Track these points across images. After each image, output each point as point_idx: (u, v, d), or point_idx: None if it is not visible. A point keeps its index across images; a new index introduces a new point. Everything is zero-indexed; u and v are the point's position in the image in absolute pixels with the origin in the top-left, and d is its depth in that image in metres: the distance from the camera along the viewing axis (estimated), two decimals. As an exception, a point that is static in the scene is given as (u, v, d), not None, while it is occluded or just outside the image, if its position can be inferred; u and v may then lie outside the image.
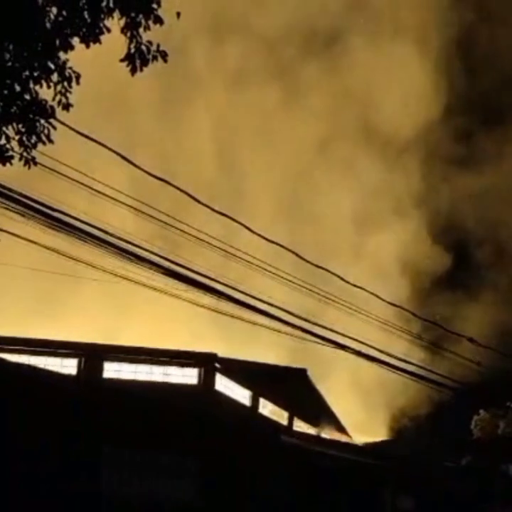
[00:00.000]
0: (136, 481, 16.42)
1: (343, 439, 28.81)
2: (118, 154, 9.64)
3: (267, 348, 24.91)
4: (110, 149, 9.56)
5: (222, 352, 23.02)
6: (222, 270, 12.74)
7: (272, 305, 12.59)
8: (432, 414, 34.30)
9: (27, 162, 7.38)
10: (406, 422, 36.01)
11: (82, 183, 10.16)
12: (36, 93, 7.15)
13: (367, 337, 14.05)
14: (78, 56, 7.34)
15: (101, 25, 7.08)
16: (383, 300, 14.26)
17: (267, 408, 25.62)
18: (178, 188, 10.71)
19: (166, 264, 11.24)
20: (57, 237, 10.17)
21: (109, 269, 11.32)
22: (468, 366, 17.32)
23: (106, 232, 10.40)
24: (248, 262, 12.39)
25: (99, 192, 10.37)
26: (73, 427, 15.21)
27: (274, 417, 25.76)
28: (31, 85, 7.12)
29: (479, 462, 28.32)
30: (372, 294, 13.94)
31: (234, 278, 12.64)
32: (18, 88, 7.08)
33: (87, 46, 7.17)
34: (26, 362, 20.11)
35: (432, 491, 24.29)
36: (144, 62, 7.31)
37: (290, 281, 12.86)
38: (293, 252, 12.84)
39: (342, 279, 13.44)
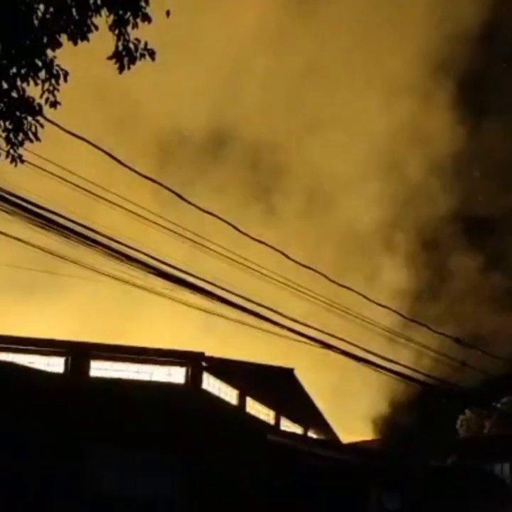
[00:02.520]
0: (122, 479, 16.41)
1: (330, 438, 28.86)
2: (104, 152, 9.61)
3: (255, 348, 24.92)
4: (96, 147, 9.53)
5: (210, 351, 23.04)
6: (210, 269, 12.73)
7: (261, 305, 12.59)
8: (417, 414, 34.42)
9: (13, 160, 7.36)
10: (392, 422, 36.14)
11: (69, 182, 10.12)
12: (23, 90, 7.12)
13: (354, 337, 14.10)
14: (66, 54, 7.31)
15: (89, 22, 7.05)
16: (370, 300, 14.30)
17: (254, 407, 25.64)
18: (165, 187, 10.70)
19: (155, 263, 11.22)
20: (45, 236, 10.14)
21: (99, 269, 11.29)
22: (453, 366, 17.38)
23: (95, 231, 10.37)
24: (235, 261, 12.38)
25: (89, 191, 10.34)
26: (59, 425, 15.17)
27: (261, 416, 25.79)
28: (18, 83, 7.09)
29: (465, 462, 28.44)
30: (359, 294, 13.98)
31: (222, 278, 12.64)
32: (5, 85, 7.05)
33: (75, 43, 7.14)
34: (11, 360, 20.03)
35: (418, 490, 24.37)
36: (132, 60, 7.30)
37: (278, 281, 12.87)
38: (280, 252, 12.85)
39: (328, 278, 13.47)
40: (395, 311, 14.93)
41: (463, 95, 41.96)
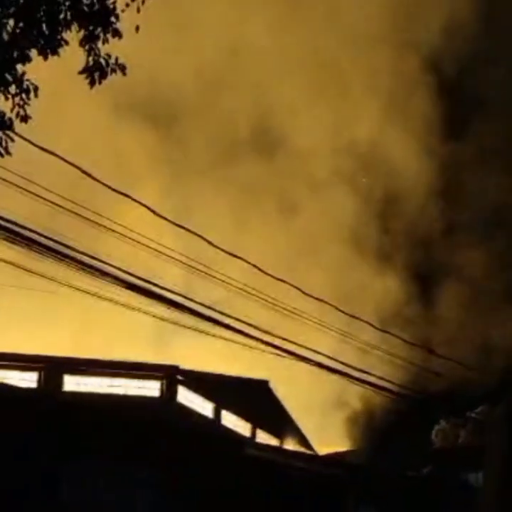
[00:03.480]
0: (97, 493, 16.30)
1: (306, 450, 28.88)
2: (77, 167, 9.62)
3: (229, 360, 24.91)
4: (69, 163, 9.52)
5: (184, 364, 22.97)
6: (184, 283, 12.74)
7: (234, 318, 12.62)
8: (392, 424, 34.54)
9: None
10: (367, 433, 36.22)
11: (41, 197, 10.10)
12: (-6, 105, 7.13)
13: (327, 349, 14.15)
14: (36, 69, 7.32)
15: (59, 37, 7.07)
16: (342, 312, 14.39)
17: (230, 420, 25.59)
18: (139, 202, 10.72)
19: (129, 278, 11.22)
20: (17, 251, 10.10)
21: (70, 283, 11.26)
22: (427, 377, 17.50)
23: (66, 246, 10.35)
24: (207, 274, 12.42)
25: (61, 207, 10.32)
26: (34, 440, 15.06)
27: (237, 429, 25.74)
28: (-11, 97, 7.09)
29: (440, 471, 28.56)
30: (330, 305, 14.07)
31: (195, 290, 12.66)
32: (-25, 99, 7.05)
33: (45, 58, 7.16)
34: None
35: (394, 500, 24.44)
36: (103, 75, 7.33)
37: (248, 292, 12.91)
38: (253, 265, 12.91)
39: (302, 291, 13.54)
40: (367, 323, 15.04)
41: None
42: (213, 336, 12.83)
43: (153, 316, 12.28)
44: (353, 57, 39.13)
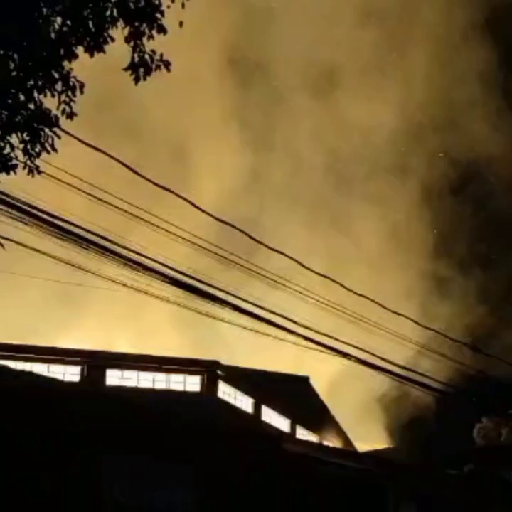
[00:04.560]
0: (138, 490, 16.37)
1: (346, 446, 28.76)
2: (121, 163, 9.67)
3: (271, 356, 24.91)
4: (114, 158, 9.58)
5: (225, 360, 23.04)
6: (225, 278, 12.75)
7: (275, 313, 12.60)
8: (434, 422, 34.23)
9: (31, 171, 7.42)
10: (409, 430, 35.95)
11: (86, 192, 10.18)
12: (40, 102, 7.19)
13: (370, 345, 14.05)
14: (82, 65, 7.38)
15: (105, 34, 7.11)
16: (385, 308, 14.26)
17: (270, 415, 25.59)
18: (182, 197, 10.74)
19: (170, 272, 11.26)
20: (63, 247, 10.20)
21: (116, 279, 11.34)
22: (470, 374, 17.28)
23: (111, 242, 10.42)
24: (249, 269, 12.41)
25: (105, 202, 10.39)
26: (75, 435, 15.19)
27: (277, 425, 25.73)
28: (35, 94, 7.15)
29: (482, 470, 28.25)
30: (374, 301, 13.96)
31: (236, 286, 12.66)
32: (22, 97, 7.12)
33: (91, 55, 7.21)
34: (29, 369, 20.10)
35: (435, 498, 24.24)
36: (147, 71, 7.36)
37: (292, 289, 12.88)
38: (295, 260, 12.86)
39: (344, 286, 13.46)
40: (409, 319, 14.88)
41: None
42: (255, 331, 12.82)
43: (198, 312, 12.30)
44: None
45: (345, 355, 13.87)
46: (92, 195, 10.12)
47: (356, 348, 13.70)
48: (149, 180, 10.31)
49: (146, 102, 34.99)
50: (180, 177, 37.80)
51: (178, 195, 10.78)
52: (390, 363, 14.24)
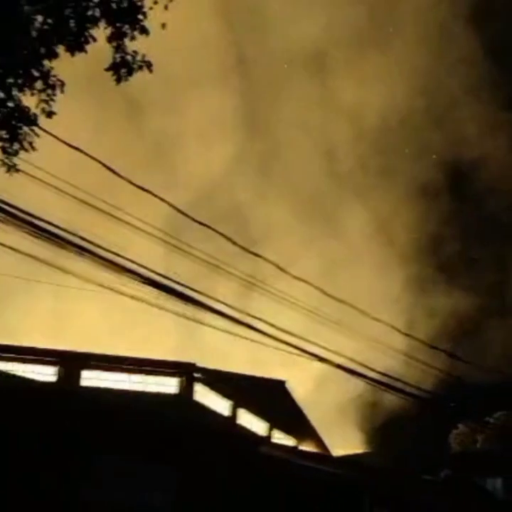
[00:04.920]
0: (113, 490, 16.30)
1: (321, 451, 28.79)
2: (101, 163, 9.62)
3: (248, 359, 24.88)
4: (93, 158, 9.53)
5: (203, 362, 22.98)
6: (206, 282, 12.72)
7: (252, 316, 12.59)
8: (410, 428, 34.36)
9: (9, 169, 7.37)
10: (384, 435, 36.07)
11: (64, 192, 10.11)
12: (20, 100, 7.14)
13: (346, 350, 14.08)
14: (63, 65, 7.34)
15: (86, 34, 7.08)
16: (364, 313, 14.30)
17: (246, 419, 25.57)
18: (161, 199, 10.71)
19: (144, 272, 11.20)
20: (40, 246, 10.12)
21: (93, 280, 11.26)
22: (447, 381, 17.38)
23: (89, 242, 10.35)
24: (231, 273, 12.38)
25: (82, 201, 10.32)
26: (50, 435, 15.10)
27: (253, 428, 25.71)
28: (15, 92, 7.11)
29: (457, 476, 28.39)
30: (355, 308, 13.99)
31: (217, 290, 12.63)
32: (1, 95, 7.07)
33: (72, 55, 7.18)
34: (2, 369, 19.95)
35: (410, 503, 24.31)
36: (129, 72, 7.34)
37: (267, 291, 12.87)
38: (275, 265, 12.86)
39: (323, 291, 13.48)
40: (390, 326, 14.94)
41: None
42: (233, 334, 12.80)
43: (174, 313, 12.26)
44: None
45: (322, 359, 13.90)
46: (73, 196, 10.05)
47: (333, 352, 13.72)
48: (127, 180, 10.26)
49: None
50: (169, 163, 37.89)
51: (160, 198, 10.75)
52: (367, 367, 14.28)
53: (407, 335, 15.66)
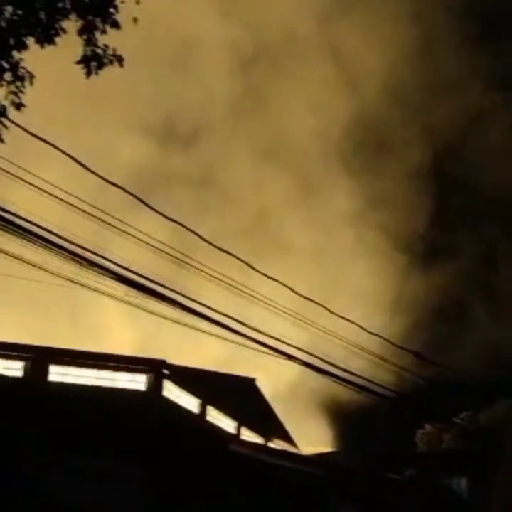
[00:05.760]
0: (81, 487, 16.22)
1: (290, 449, 28.88)
2: (72, 158, 9.56)
3: (217, 356, 24.87)
4: (64, 153, 9.47)
5: (172, 359, 22.90)
6: (173, 277, 12.70)
7: (221, 313, 12.60)
8: (377, 427, 34.59)
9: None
10: (351, 434, 36.27)
11: (34, 185, 10.04)
12: (-13, 92, 7.09)
13: (313, 348, 14.15)
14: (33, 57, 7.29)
15: (57, 26, 7.04)
16: (331, 312, 14.39)
17: (215, 416, 25.55)
18: (132, 194, 10.68)
19: (116, 269, 11.16)
20: (3, 238, 10.04)
21: (59, 273, 11.20)
22: (413, 380, 17.52)
23: (55, 234, 10.29)
24: (199, 269, 12.39)
25: (54, 196, 10.25)
26: (17, 431, 14.99)
27: (222, 426, 25.71)
28: (-18, 84, 7.05)
29: (423, 475, 28.63)
30: (320, 305, 14.07)
31: (186, 285, 12.62)
32: (-31, 86, 7.01)
33: (42, 46, 7.13)
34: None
35: (377, 502, 24.49)
36: (100, 66, 7.31)
37: (238, 289, 12.89)
38: (247, 264, 12.89)
39: (292, 290, 13.52)
40: (355, 324, 15.04)
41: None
42: (201, 331, 12.81)
43: (143, 310, 12.23)
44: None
45: (291, 357, 13.95)
46: (35, 186, 9.97)
47: (301, 350, 13.78)
48: (102, 178, 10.22)
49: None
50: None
51: (132, 195, 10.72)
52: (334, 365, 14.35)
53: (374, 334, 15.78)
